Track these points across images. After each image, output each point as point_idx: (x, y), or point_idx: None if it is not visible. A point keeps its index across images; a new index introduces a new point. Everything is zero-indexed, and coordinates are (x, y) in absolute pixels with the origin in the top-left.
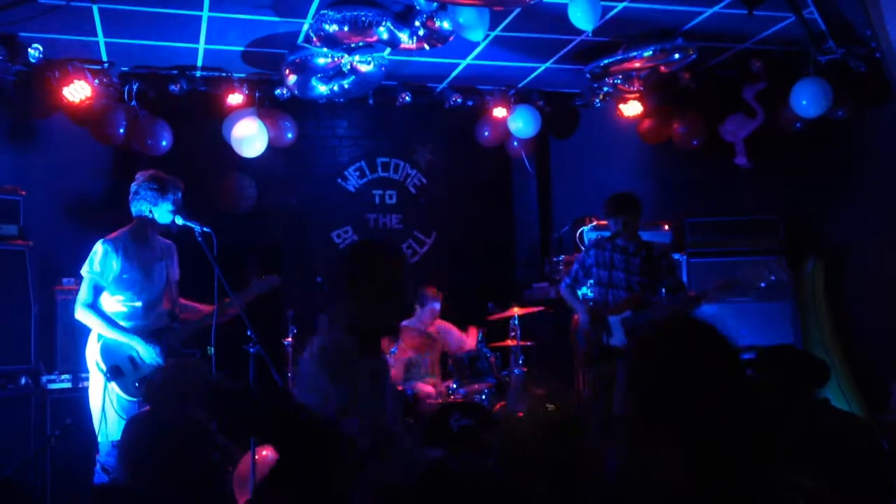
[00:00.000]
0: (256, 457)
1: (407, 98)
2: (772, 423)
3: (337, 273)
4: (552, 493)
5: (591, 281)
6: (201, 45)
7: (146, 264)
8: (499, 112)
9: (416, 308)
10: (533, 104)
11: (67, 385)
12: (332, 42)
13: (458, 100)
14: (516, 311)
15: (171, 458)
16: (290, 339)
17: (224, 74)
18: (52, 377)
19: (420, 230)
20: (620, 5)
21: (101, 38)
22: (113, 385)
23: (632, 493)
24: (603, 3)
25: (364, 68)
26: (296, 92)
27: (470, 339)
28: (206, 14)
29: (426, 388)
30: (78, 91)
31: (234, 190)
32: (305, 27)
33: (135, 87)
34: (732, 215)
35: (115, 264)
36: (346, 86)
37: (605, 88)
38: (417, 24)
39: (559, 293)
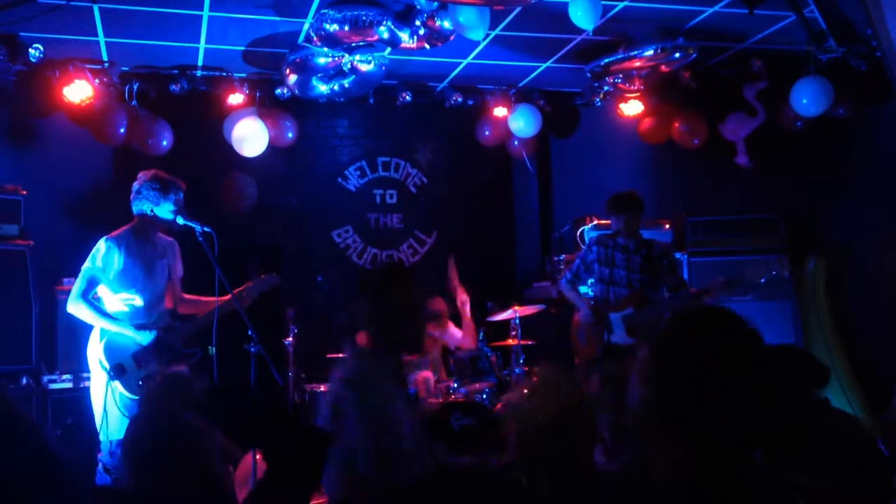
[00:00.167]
0: (257, 457)
1: (407, 97)
2: (779, 420)
3: (357, 299)
4: (552, 492)
5: (592, 279)
6: (202, 45)
7: (148, 261)
8: (499, 111)
9: None
10: (533, 103)
11: (68, 385)
12: (332, 41)
13: (459, 99)
14: (517, 310)
15: (173, 457)
16: (290, 339)
17: (224, 74)
18: (53, 377)
19: (421, 230)
20: (621, 4)
21: (101, 38)
22: (116, 383)
23: (633, 491)
24: (603, 2)
25: (364, 68)
26: (296, 91)
27: (466, 334)
28: (206, 14)
29: (423, 374)
30: (78, 91)
31: (235, 189)
32: (306, 27)
33: (135, 86)
34: (733, 214)
35: (117, 260)
36: (346, 85)
37: (606, 88)
38: (418, 23)
39: (560, 289)
